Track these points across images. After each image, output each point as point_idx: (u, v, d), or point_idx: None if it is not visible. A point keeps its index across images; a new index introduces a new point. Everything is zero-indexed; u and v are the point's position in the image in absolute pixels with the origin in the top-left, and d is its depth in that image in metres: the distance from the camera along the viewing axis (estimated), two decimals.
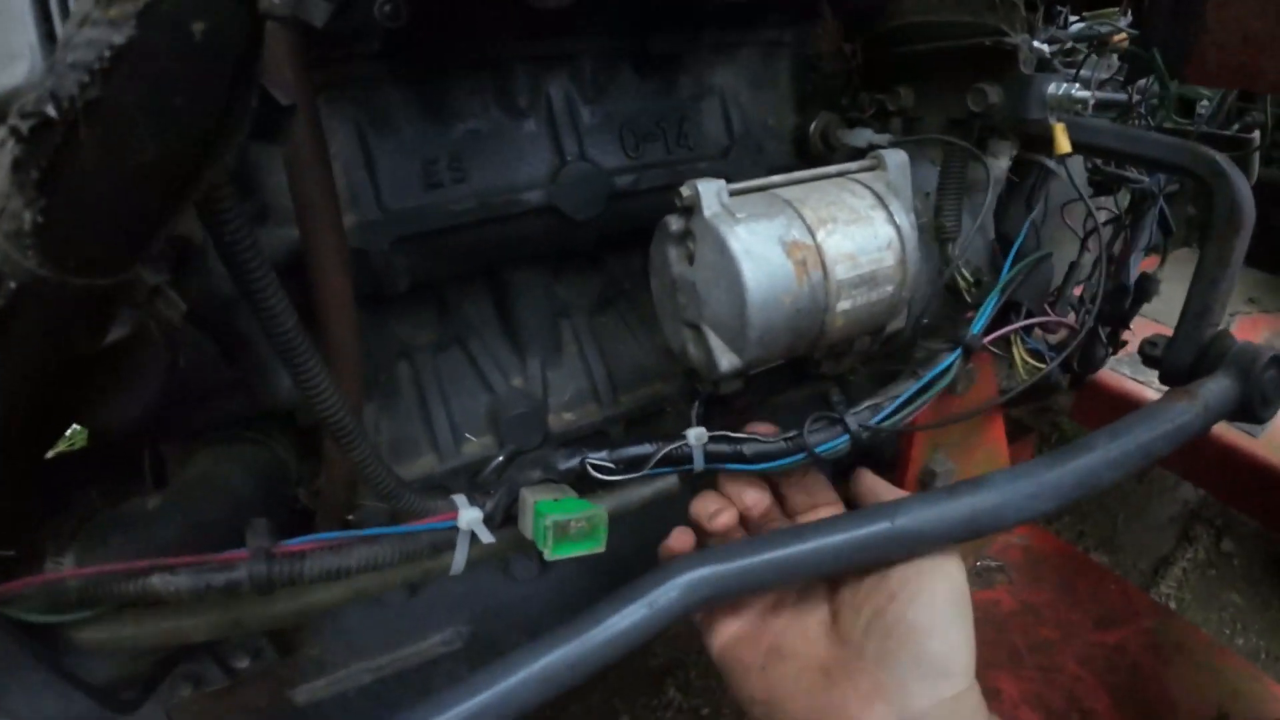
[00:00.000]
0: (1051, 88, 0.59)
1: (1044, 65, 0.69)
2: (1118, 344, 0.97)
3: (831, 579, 0.57)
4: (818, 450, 0.53)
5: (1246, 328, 1.42)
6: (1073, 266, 0.86)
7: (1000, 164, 0.86)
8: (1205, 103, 1.15)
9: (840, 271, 0.50)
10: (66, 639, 0.45)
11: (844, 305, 0.51)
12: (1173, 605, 1.49)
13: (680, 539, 0.59)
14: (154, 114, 0.28)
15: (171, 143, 0.30)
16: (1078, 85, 0.59)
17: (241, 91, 0.32)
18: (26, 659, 0.43)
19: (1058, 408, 1.14)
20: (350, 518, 0.58)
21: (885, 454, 0.81)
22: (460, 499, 0.50)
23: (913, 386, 0.55)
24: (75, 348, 0.37)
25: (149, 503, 0.50)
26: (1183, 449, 1.21)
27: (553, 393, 0.69)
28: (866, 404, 0.55)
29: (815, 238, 0.50)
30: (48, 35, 0.34)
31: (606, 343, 0.71)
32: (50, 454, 0.57)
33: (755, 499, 0.58)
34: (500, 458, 0.56)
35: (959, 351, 0.57)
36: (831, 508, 0.60)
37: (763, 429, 0.57)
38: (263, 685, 0.64)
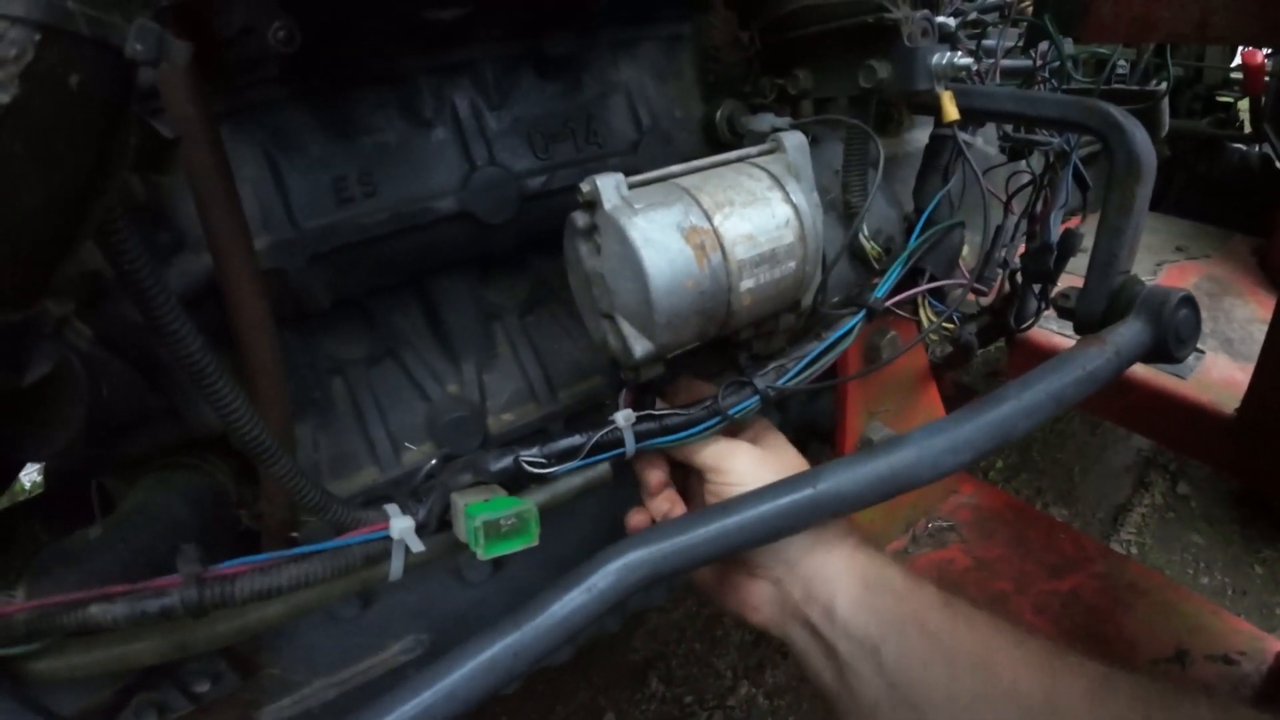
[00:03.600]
0: (935, 58, 0.61)
1: (948, 39, 0.72)
2: (1048, 299, 1.00)
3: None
4: (731, 412, 0.55)
5: (1175, 275, 1.46)
6: (998, 230, 0.89)
7: (913, 138, 0.89)
8: (1123, 63, 1.19)
9: (740, 252, 0.52)
10: (25, 671, 0.46)
11: (747, 284, 0.53)
12: (1134, 551, 1.54)
13: (638, 518, 0.64)
14: (41, 160, 0.31)
15: (59, 184, 0.33)
16: (960, 53, 0.61)
17: (120, 131, 0.34)
18: None
19: (994, 368, 1.17)
20: (295, 535, 0.59)
21: (822, 425, 0.84)
22: (392, 508, 0.51)
23: (817, 348, 0.58)
24: None
25: (90, 534, 0.51)
26: (1120, 399, 1.25)
27: (490, 395, 0.70)
28: (772, 366, 0.57)
29: (713, 221, 0.52)
30: None
31: (540, 342, 0.73)
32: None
33: (656, 479, 0.62)
34: (431, 464, 0.57)
35: (862, 313, 0.59)
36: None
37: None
38: (228, 709, 0.64)
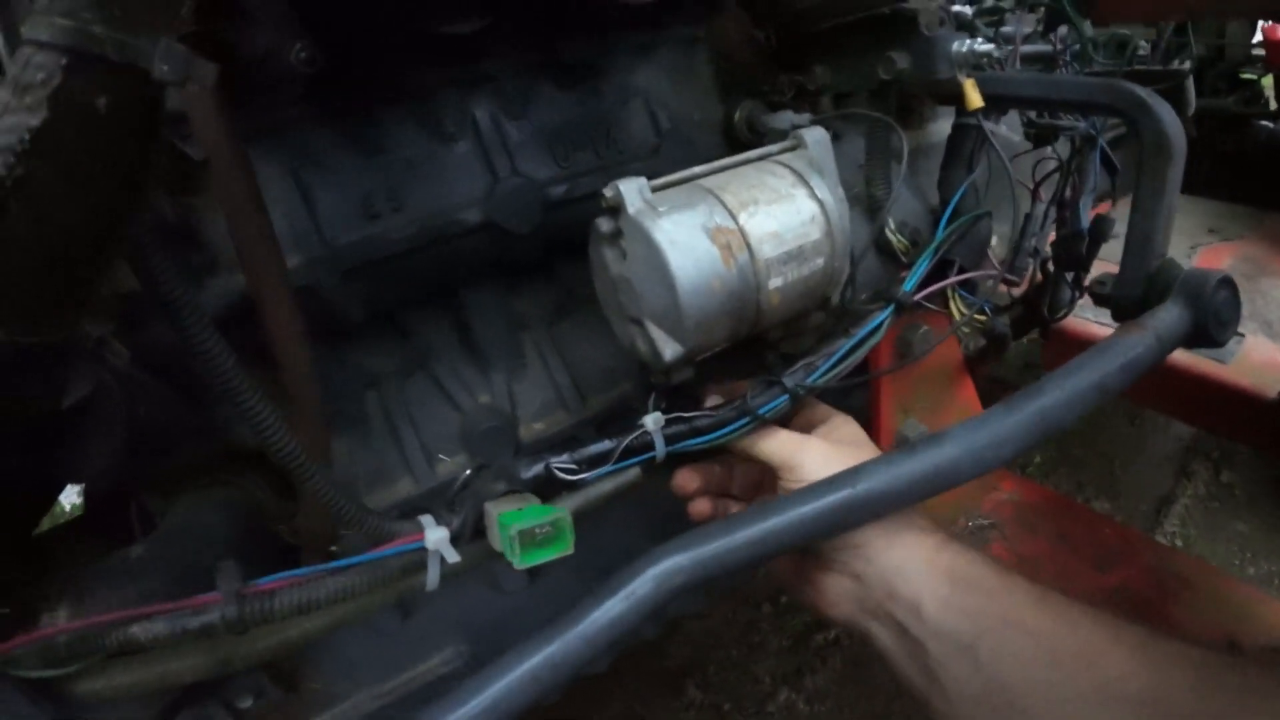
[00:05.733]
0: (955, 45, 0.61)
1: (965, 28, 0.71)
2: (1082, 288, 0.98)
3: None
4: (760, 411, 0.55)
5: (1209, 257, 1.42)
6: (1027, 219, 0.87)
7: (936, 129, 0.88)
8: (1144, 43, 1.16)
9: (767, 250, 0.52)
10: (69, 692, 0.47)
11: (776, 282, 0.53)
12: (1179, 543, 1.49)
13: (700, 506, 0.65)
14: (72, 182, 0.32)
15: (90, 205, 0.33)
16: (981, 40, 0.60)
17: (149, 152, 0.35)
18: (33, 714, 0.44)
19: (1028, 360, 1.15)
20: (334, 549, 0.59)
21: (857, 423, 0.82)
22: (427, 519, 0.52)
23: (846, 344, 0.57)
24: (37, 407, 0.39)
25: (131, 553, 0.52)
26: (1160, 386, 1.22)
27: (521, 405, 0.70)
28: (801, 364, 0.57)
29: (738, 221, 0.51)
30: None
31: (568, 350, 0.73)
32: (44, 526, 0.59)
33: (683, 480, 0.63)
34: (465, 473, 0.57)
35: (890, 308, 0.58)
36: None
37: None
38: None
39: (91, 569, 0.51)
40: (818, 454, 0.57)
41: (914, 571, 0.53)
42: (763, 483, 0.66)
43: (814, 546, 0.58)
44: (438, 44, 0.57)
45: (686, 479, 0.63)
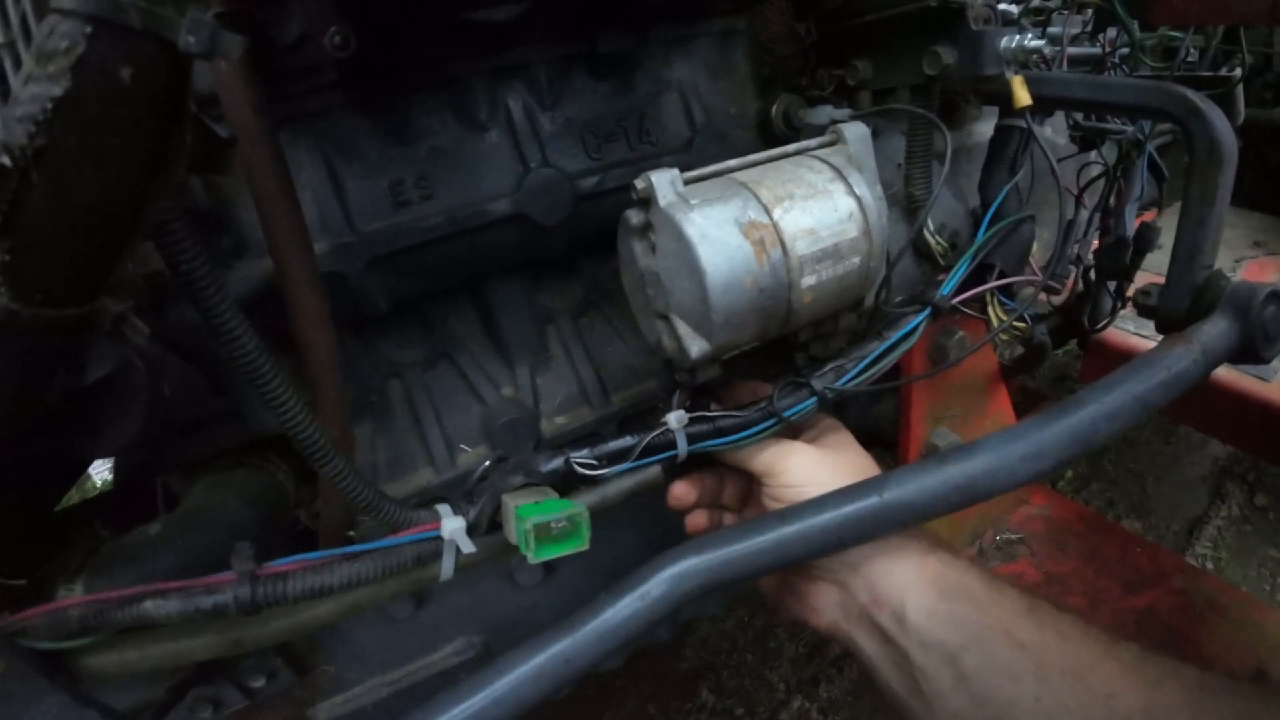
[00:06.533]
0: (1004, 41, 0.58)
1: (1010, 25, 0.68)
2: (1124, 297, 0.95)
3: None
4: (786, 414, 0.53)
5: (1255, 271, 1.37)
6: (1070, 224, 0.84)
7: (978, 129, 0.86)
8: (1193, 50, 1.13)
9: (801, 247, 0.50)
10: (80, 666, 0.47)
11: (809, 280, 0.51)
12: (1209, 565, 1.45)
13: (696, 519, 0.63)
14: (95, 154, 0.31)
15: (114, 179, 0.33)
16: (1030, 35, 0.58)
17: (175, 127, 0.34)
18: (43, 684, 0.44)
19: (1062, 373, 1.12)
20: (351, 534, 0.59)
21: (884, 430, 0.81)
22: (444, 508, 0.51)
23: (878, 348, 0.55)
24: (55, 382, 0.39)
25: (150, 531, 0.52)
26: (1198, 403, 1.18)
27: (543, 398, 0.69)
28: (830, 366, 0.55)
29: (772, 216, 0.50)
30: (4, 95, 0.36)
31: (593, 345, 0.72)
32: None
33: (680, 492, 0.61)
34: (484, 464, 0.56)
35: (926, 312, 0.56)
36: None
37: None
38: (282, 705, 0.65)
39: (110, 545, 0.51)
40: (804, 459, 0.55)
41: (900, 578, 0.52)
42: (751, 492, 0.64)
43: None
44: (472, 32, 0.56)
45: (684, 491, 0.61)
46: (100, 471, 1.36)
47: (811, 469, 0.55)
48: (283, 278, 0.48)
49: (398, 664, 0.69)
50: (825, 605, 0.55)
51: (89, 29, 0.28)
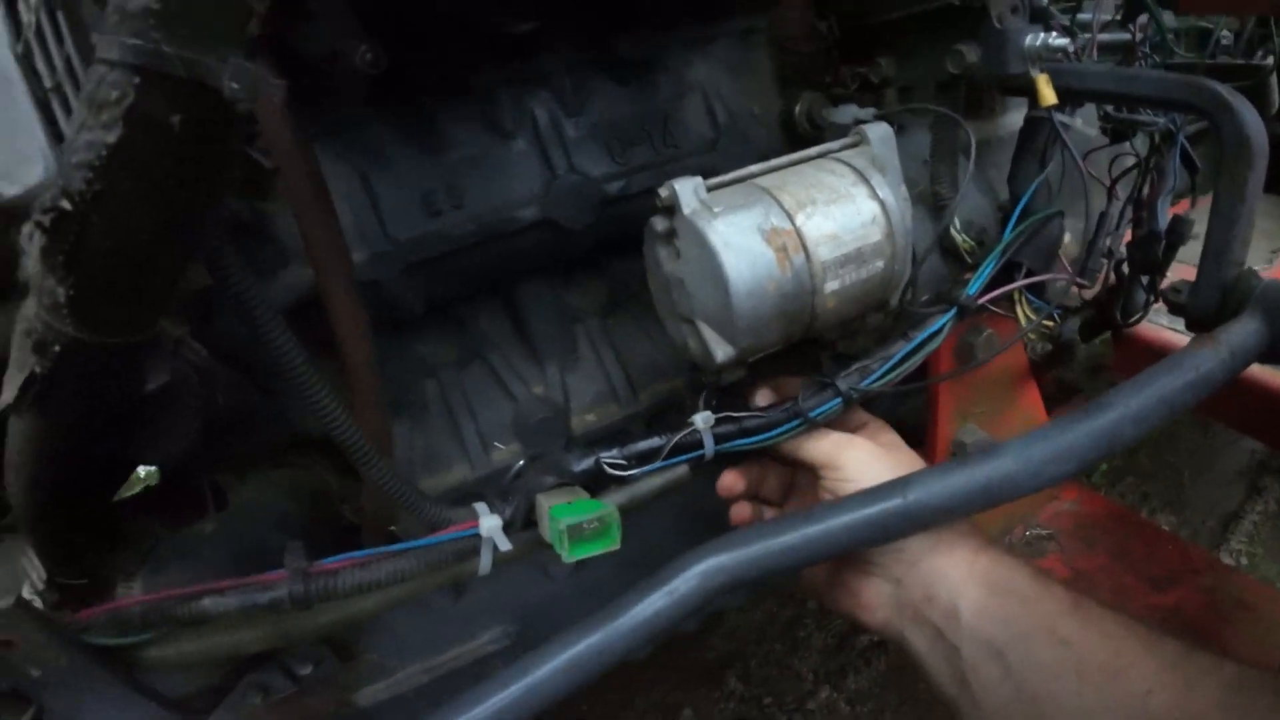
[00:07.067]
0: (1028, 39, 0.58)
1: (1039, 16, 0.67)
2: (1157, 292, 0.94)
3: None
4: (812, 414, 0.54)
5: None
6: (1102, 217, 0.83)
7: (1006, 121, 0.85)
8: (1226, 33, 1.10)
9: (824, 252, 0.51)
10: (139, 657, 0.50)
11: (832, 285, 0.52)
12: (1243, 562, 1.42)
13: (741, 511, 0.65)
14: (149, 195, 0.33)
15: (167, 217, 0.34)
16: (1055, 34, 0.58)
17: (223, 165, 0.36)
18: (106, 677, 0.47)
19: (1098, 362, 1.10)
20: (394, 529, 0.62)
21: (910, 430, 0.81)
22: (481, 507, 0.53)
23: (904, 348, 0.56)
24: (119, 398, 0.42)
25: (205, 529, 0.55)
26: (1231, 400, 1.16)
27: (573, 396, 0.71)
28: (856, 366, 0.56)
29: (795, 222, 0.51)
30: (56, 136, 0.38)
31: (621, 344, 0.73)
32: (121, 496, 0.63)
33: (730, 481, 0.63)
34: (519, 464, 0.58)
35: (953, 312, 0.57)
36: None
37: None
38: (327, 691, 0.68)
39: (166, 543, 0.54)
40: (862, 454, 0.56)
41: (953, 576, 0.53)
42: (794, 485, 0.66)
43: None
44: (496, 43, 0.58)
45: (733, 481, 0.63)
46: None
47: (870, 464, 0.56)
48: (323, 289, 0.50)
49: (437, 652, 0.72)
50: (878, 603, 0.57)
51: (136, 79, 0.29)
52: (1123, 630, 0.48)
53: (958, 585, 0.53)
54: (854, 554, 0.57)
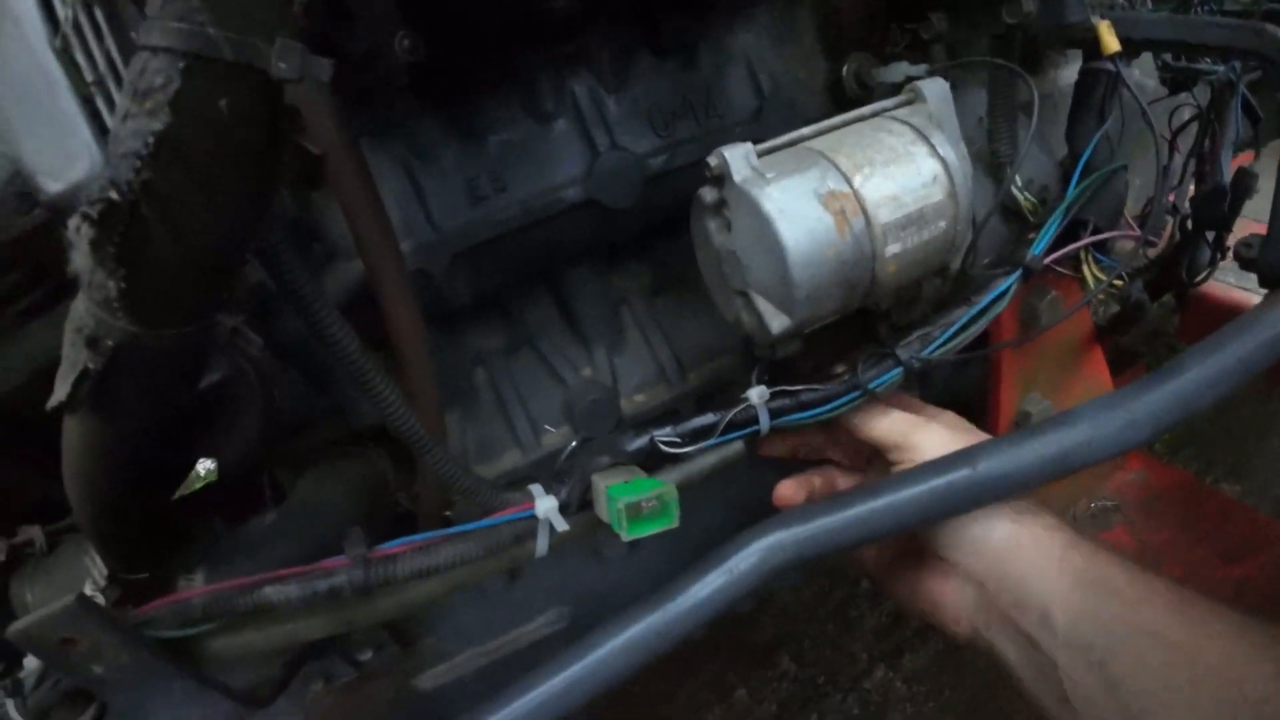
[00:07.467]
0: None
1: None
2: (1223, 249, 0.90)
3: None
4: (871, 385, 0.52)
5: None
6: (1165, 171, 0.79)
7: (1063, 75, 0.81)
8: None
9: (884, 215, 0.49)
10: (201, 650, 0.50)
11: (893, 249, 0.50)
12: None
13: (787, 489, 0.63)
14: (200, 183, 0.32)
15: (219, 205, 0.34)
16: None
17: (273, 150, 0.35)
18: (168, 671, 0.48)
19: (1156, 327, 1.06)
20: (449, 514, 0.62)
21: (968, 400, 0.78)
22: (537, 489, 0.53)
23: (967, 313, 0.54)
24: (176, 393, 0.42)
25: (265, 521, 0.56)
26: None
27: (622, 379, 0.70)
28: (916, 334, 0.54)
29: (852, 184, 0.49)
30: (100, 131, 0.38)
31: (668, 324, 0.72)
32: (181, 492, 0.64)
33: (788, 491, 0.61)
34: (571, 445, 0.58)
35: (1018, 273, 0.54)
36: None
37: None
38: (388, 676, 0.69)
39: (228, 535, 0.55)
40: (936, 435, 0.54)
41: (1044, 578, 0.49)
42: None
43: (924, 548, 0.55)
44: (534, 23, 0.57)
45: (792, 491, 0.61)
46: (203, 461, 1.44)
47: (945, 446, 0.53)
48: (375, 282, 0.50)
49: (494, 635, 0.73)
50: (962, 611, 0.53)
51: (182, 64, 0.28)
52: (1235, 631, 0.44)
53: (1050, 588, 0.48)
54: (929, 552, 0.54)
